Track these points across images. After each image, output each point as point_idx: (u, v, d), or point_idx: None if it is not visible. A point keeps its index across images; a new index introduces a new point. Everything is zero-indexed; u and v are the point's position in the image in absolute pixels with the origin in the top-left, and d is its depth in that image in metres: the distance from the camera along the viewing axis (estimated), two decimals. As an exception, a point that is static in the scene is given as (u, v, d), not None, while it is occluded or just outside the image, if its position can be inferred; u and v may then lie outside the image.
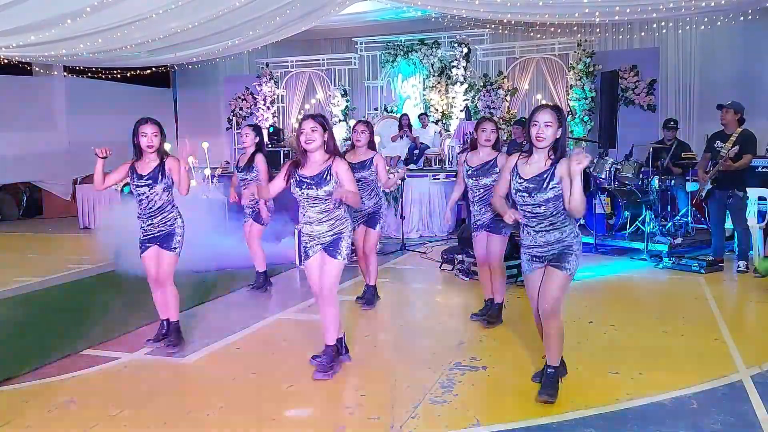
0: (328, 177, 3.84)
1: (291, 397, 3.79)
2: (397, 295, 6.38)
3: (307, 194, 3.85)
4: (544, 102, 12.58)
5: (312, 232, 3.94)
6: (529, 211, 3.49)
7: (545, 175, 3.40)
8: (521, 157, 3.53)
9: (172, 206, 4.54)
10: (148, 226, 4.49)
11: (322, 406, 3.71)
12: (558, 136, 3.39)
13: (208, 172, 8.67)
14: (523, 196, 3.46)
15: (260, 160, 6.12)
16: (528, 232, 3.56)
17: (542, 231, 3.49)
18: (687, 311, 5.44)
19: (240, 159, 6.34)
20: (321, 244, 3.94)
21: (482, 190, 4.87)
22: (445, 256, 7.38)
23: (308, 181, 3.85)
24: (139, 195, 4.46)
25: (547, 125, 3.37)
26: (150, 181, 4.41)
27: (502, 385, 3.90)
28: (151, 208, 4.46)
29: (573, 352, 4.35)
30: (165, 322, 4.72)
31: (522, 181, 3.45)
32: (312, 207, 3.89)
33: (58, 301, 6.26)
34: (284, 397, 3.79)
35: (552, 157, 3.41)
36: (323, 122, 3.89)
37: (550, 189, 3.39)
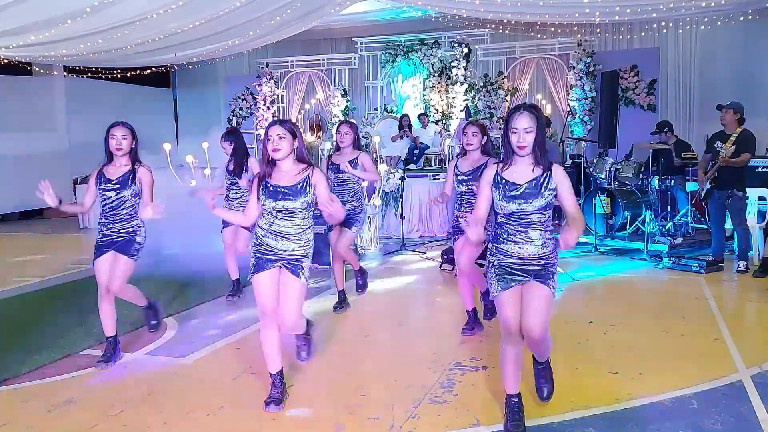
0: (307, 187, 3.54)
1: (291, 397, 3.78)
2: (397, 295, 6.38)
3: (283, 206, 3.52)
4: (544, 102, 12.59)
5: (276, 247, 3.56)
6: (518, 219, 3.17)
7: (541, 180, 3.14)
8: (500, 166, 3.24)
9: (137, 214, 4.37)
10: (108, 231, 4.32)
11: (322, 406, 3.71)
12: (538, 140, 3.13)
13: (208, 172, 8.66)
14: (519, 203, 3.14)
15: (254, 164, 5.84)
16: (514, 242, 3.18)
17: (529, 242, 3.16)
18: (687, 311, 5.44)
19: (229, 164, 6.00)
20: (283, 261, 3.58)
21: (473, 196, 4.60)
22: (445, 256, 7.38)
23: (284, 191, 3.52)
24: (105, 199, 4.29)
25: (528, 131, 3.10)
26: (118, 186, 4.27)
27: (502, 385, 3.89)
28: (115, 213, 4.30)
29: (573, 352, 4.36)
30: (112, 339, 4.45)
31: (518, 186, 3.15)
32: (285, 220, 3.54)
33: (58, 301, 6.26)
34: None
35: (540, 162, 3.16)
36: (292, 129, 3.58)
37: (548, 194, 3.15)
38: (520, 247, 3.18)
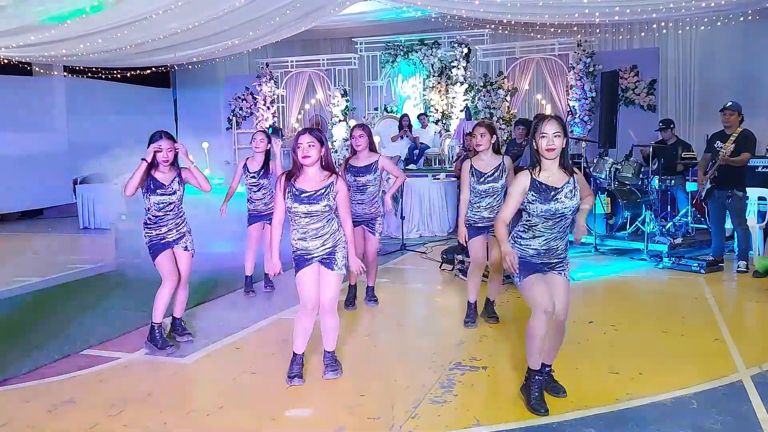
0: (329, 194, 3.83)
1: (291, 397, 3.79)
2: (397, 295, 6.38)
3: (306, 210, 3.80)
4: (543, 102, 12.60)
5: (308, 247, 3.88)
6: (557, 221, 3.47)
7: (570, 184, 3.46)
8: (532, 172, 3.47)
9: (184, 212, 4.77)
10: (166, 231, 4.61)
11: (322, 406, 3.71)
12: (563, 146, 3.44)
13: (207, 171, 8.68)
14: (559, 205, 3.42)
15: (278, 167, 6.06)
16: (544, 238, 3.50)
17: (558, 238, 3.52)
18: (687, 311, 5.44)
19: (250, 163, 6.18)
20: (317, 257, 3.90)
21: (494, 194, 4.87)
22: (445, 256, 7.38)
23: (309, 194, 3.80)
24: (162, 203, 4.58)
25: (557, 135, 3.38)
26: (174, 189, 4.60)
27: (502, 385, 3.90)
28: (173, 214, 4.63)
29: (573, 352, 4.36)
30: (178, 320, 4.92)
31: (558, 189, 3.42)
32: (310, 223, 3.84)
33: (58, 301, 6.26)
34: (284, 397, 3.80)
35: (565, 167, 3.48)
36: (320, 137, 3.86)
37: (575, 197, 3.47)
38: (548, 243, 3.49)
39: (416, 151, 11.90)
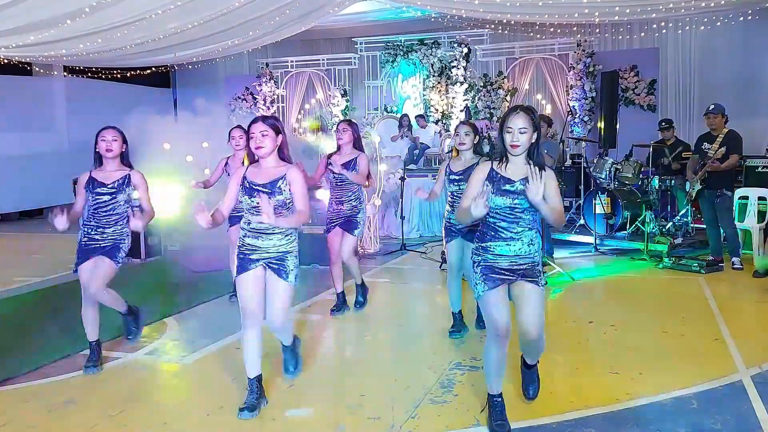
0: (282, 186, 3.45)
1: (291, 397, 3.79)
2: (397, 295, 6.38)
3: (257, 203, 3.39)
4: (543, 102, 12.60)
5: (255, 244, 3.50)
6: (509, 215, 3.18)
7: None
8: (496, 164, 3.24)
9: (127, 220, 4.26)
10: (96, 235, 4.21)
11: (322, 406, 3.71)
12: (533, 141, 3.16)
13: (207, 171, 8.67)
14: (512, 198, 3.16)
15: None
16: (502, 239, 3.19)
17: (517, 239, 3.18)
18: (687, 311, 5.44)
19: (230, 161, 5.90)
20: (264, 260, 3.50)
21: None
22: (445, 256, 7.38)
23: (259, 188, 3.44)
24: (98, 203, 4.19)
25: (522, 132, 3.11)
26: (114, 190, 4.19)
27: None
28: (108, 217, 4.21)
29: (573, 352, 4.36)
30: (95, 343, 4.35)
31: (513, 182, 3.16)
32: (260, 218, 3.35)
33: (58, 301, 6.25)
34: (284, 397, 3.80)
35: (535, 164, 3.14)
36: (275, 125, 3.49)
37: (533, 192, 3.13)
38: (507, 245, 3.19)
39: (416, 151, 11.90)
